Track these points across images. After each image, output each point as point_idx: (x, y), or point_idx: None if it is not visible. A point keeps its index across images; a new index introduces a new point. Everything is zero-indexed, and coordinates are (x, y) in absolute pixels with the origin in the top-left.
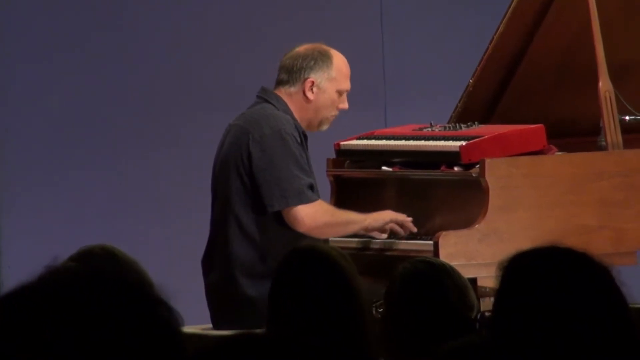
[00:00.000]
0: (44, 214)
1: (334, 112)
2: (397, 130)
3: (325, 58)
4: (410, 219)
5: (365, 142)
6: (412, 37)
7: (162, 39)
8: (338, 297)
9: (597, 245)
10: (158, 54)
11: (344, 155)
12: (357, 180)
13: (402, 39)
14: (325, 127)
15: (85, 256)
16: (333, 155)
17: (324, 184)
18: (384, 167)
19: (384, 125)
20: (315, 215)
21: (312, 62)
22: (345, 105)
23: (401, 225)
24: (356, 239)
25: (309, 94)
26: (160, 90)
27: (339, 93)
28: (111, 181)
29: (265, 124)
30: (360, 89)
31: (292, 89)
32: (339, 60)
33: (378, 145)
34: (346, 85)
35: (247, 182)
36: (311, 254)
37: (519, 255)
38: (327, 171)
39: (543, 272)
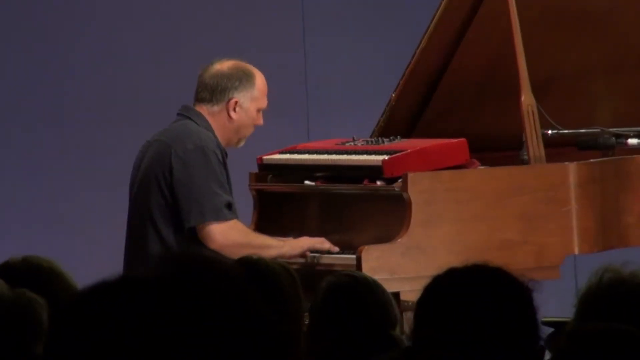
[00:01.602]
0: None
1: (252, 130)
2: (320, 144)
3: (249, 78)
4: (328, 244)
5: (287, 156)
6: (334, 51)
7: (90, 48)
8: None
9: (520, 260)
10: (92, 64)
11: (267, 170)
12: (280, 195)
13: (325, 52)
14: (242, 144)
15: (5, 269)
16: (255, 169)
17: (247, 198)
18: (306, 182)
19: (306, 140)
20: (228, 234)
21: (237, 83)
22: (261, 121)
23: (321, 244)
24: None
25: (232, 114)
26: (86, 98)
27: (258, 111)
28: (31, 190)
29: (188, 139)
30: (283, 102)
31: (215, 108)
32: (259, 80)
33: (301, 159)
34: (265, 103)
35: (167, 196)
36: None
37: (440, 274)
38: (249, 185)
39: (457, 287)
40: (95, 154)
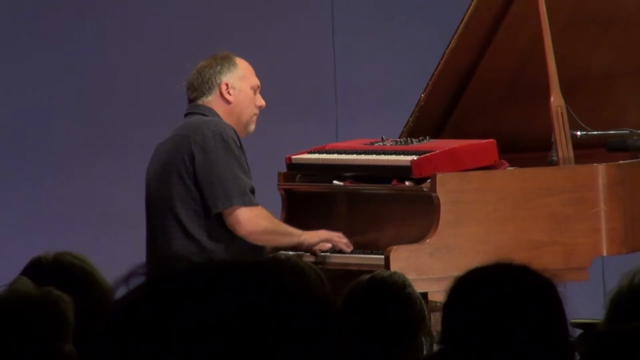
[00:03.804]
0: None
1: (255, 111)
2: (349, 144)
3: (228, 60)
4: (345, 240)
5: (316, 156)
6: (364, 51)
7: (111, 51)
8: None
9: (548, 261)
10: (111, 64)
11: (295, 169)
12: (308, 195)
13: (354, 53)
14: (252, 128)
15: (36, 266)
16: (284, 169)
17: (275, 198)
18: (335, 182)
19: (335, 140)
20: (257, 220)
21: (219, 67)
22: (262, 102)
23: (337, 239)
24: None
25: (227, 96)
26: (111, 100)
27: (254, 90)
28: (60, 190)
29: (206, 128)
30: (312, 102)
31: (211, 98)
32: (241, 60)
33: (329, 159)
34: (256, 81)
35: (190, 186)
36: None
37: (463, 274)
38: (278, 185)
39: (483, 287)
40: (121, 151)
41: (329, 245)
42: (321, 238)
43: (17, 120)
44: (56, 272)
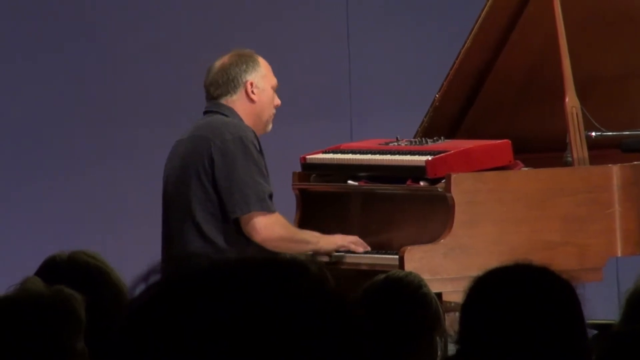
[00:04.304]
0: (8, 220)
1: (274, 110)
2: (363, 144)
3: (252, 59)
4: (361, 245)
5: (331, 156)
6: (378, 51)
7: (129, 49)
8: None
9: (562, 261)
10: (126, 63)
11: (310, 169)
12: (323, 194)
13: (369, 52)
14: (270, 127)
15: (51, 265)
16: (299, 169)
17: (290, 198)
18: (349, 181)
19: (350, 140)
20: (273, 227)
21: (244, 66)
22: (278, 101)
23: (354, 244)
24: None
25: (252, 96)
26: (122, 98)
27: (273, 89)
28: (73, 189)
29: (226, 130)
30: (326, 102)
31: (234, 97)
32: (262, 59)
33: (344, 159)
34: (275, 80)
35: (209, 189)
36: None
37: (482, 274)
38: (292, 185)
39: (503, 288)
40: (134, 149)
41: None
42: (337, 245)
43: (28, 119)
44: (71, 271)
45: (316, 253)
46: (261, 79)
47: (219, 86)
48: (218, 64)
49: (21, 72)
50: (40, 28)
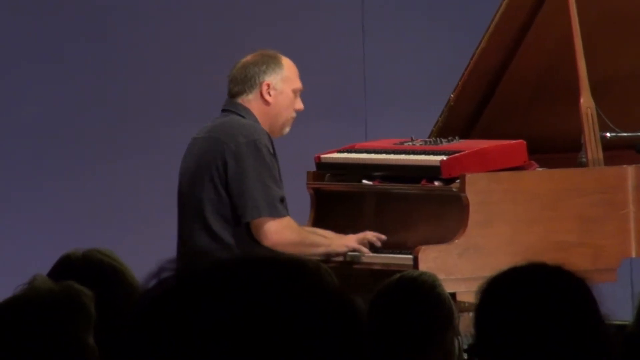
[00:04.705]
0: (23, 218)
1: (293, 114)
2: (378, 144)
3: (275, 60)
4: (371, 237)
5: (345, 155)
6: (393, 51)
7: (139, 48)
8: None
9: (576, 262)
10: (136, 63)
11: (324, 169)
12: (337, 194)
13: (384, 52)
14: (287, 130)
15: (65, 263)
16: (313, 168)
17: (304, 197)
18: (364, 181)
19: (364, 139)
20: (283, 232)
21: (264, 67)
22: (301, 106)
23: (364, 242)
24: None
25: (267, 97)
26: (140, 97)
27: (294, 93)
28: (88, 187)
29: (240, 133)
30: (341, 102)
31: (250, 97)
32: (288, 62)
33: (358, 158)
34: (299, 84)
35: (221, 191)
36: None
37: (496, 274)
38: (307, 184)
39: (517, 288)
40: (148, 148)
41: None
42: (349, 248)
43: (43, 118)
44: (85, 269)
45: (328, 255)
46: (280, 81)
47: (237, 83)
48: (242, 60)
49: (32, 72)
50: (50, 27)
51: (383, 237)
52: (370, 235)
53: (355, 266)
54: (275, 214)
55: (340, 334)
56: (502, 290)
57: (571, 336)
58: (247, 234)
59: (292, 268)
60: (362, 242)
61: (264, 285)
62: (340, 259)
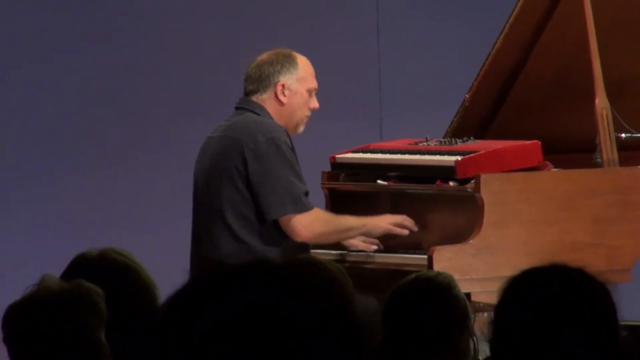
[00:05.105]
0: (37, 218)
1: (307, 113)
2: (393, 144)
3: (290, 60)
4: (408, 223)
5: (360, 155)
6: (408, 51)
7: (156, 46)
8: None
9: (591, 262)
10: (153, 61)
11: (339, 169)
12: (352, 194)
13: (399, 52)
14: (301, 129)
15: (81, 262)
16: (328, 168)
17: (319, 197)
18: (379, 181)
19: (379, 139)
20: (313, 226)
21: (279, 66)
22: (316, 104)
23: (401, 226)
24: (354, 253)
25: (281, 97)
26: (156, 95)
27: (309, 92)
28: (104, 185)
29: (258, 132)
30: (356, 102)
31: (264, 96)
32: (303, 61)
33: (373, 158)
34: (314, 83)
35: (242, 190)
36: (310, 267)
37: (517, 274)
38: (322, 184)
39: (538, 288)
40: (162, 148)
41: (374, 247)
42: (384, 230)
43: (59, 118)
44: (101, 268)
45: (365, 235)
46: (296, 81)
47: (252, 82)
48: (258, 59)
49: (45, 71)
50: (63, 25)
51: (416, 228)
52: (408, 221)
53: (370, 266)
54: (303, 208)
55: (340, 335)
56: (523, 290)
57: (589, 339)
58: (271, 231)
59: (292, 270)
60: (397, 225)
61: (262, 287)
62: (353, 258)
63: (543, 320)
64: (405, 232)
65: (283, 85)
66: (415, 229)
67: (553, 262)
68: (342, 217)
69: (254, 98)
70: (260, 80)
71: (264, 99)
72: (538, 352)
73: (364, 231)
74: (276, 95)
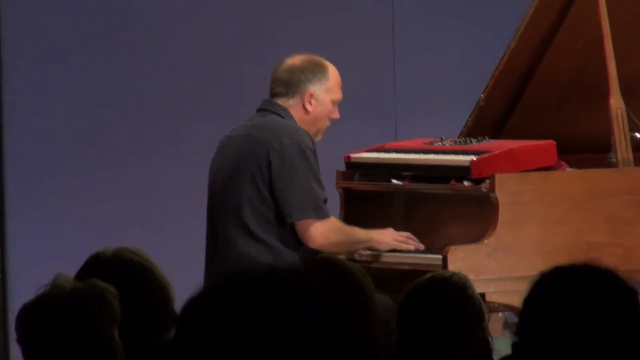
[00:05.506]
0: (51, 218)
1: (327, 123)
2: (408, 143)
3: (322, 69)
4: (413, 243)
5: (375, 155)
6: (423, 51)
7: (167, 46)
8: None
9: (606, 263)
10: (164, 61)
11: (354, 168)
12: (367, 193)
13: (414, 52)
14: (319, 138)
15: (96, 262)
16: (343, 168)
17: (334, 196)
18: (393, 181)
19: (394, 139)
20: (328, 234)
21: (311, 75)
22: (337, 115)
23: (406, 242)
24: (369, 252)
25: (308, 106)
26: (168, 95)
27: (333, 103)
28: (117, 185)
29: (284, 135)
30: (371, 102)
31: (291, 101)
32: (333, 72)
33: (388, 158)
34: (340, 95)
35: (263, 191)
36: (332, 267)
37: (546, 271)
38: (336, 183)
39: (567, 287)
40: (177, 148)
41: (421, 246)
42: (390, 246)
43: (72, 117)
44: (115, 267)
45: (371, 249)
46: (324, 91)
47: (280, 84)
48: (289, 62)
49: (55, 73)
50: (64, 25)
51: (421, 246)
52: (412, 238)
53: (384, 266)
54: (322, 215)
55: (340, 336)
56: (551, 287)
57: (614, 341)
58: (289, 233)
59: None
60: (402, 242)
61: (264, 288)
62: (369, 259)
63: (568, 319)
64: (411, 247)
65: (311, 94)
66: (421, 246)
67: (585, 262)
68: (352, 228)
69: (280, 101)
70: (289, 85)
71: (290, 104)
72: (562, 351)
73: (370, 245)
74: (303, 103)
